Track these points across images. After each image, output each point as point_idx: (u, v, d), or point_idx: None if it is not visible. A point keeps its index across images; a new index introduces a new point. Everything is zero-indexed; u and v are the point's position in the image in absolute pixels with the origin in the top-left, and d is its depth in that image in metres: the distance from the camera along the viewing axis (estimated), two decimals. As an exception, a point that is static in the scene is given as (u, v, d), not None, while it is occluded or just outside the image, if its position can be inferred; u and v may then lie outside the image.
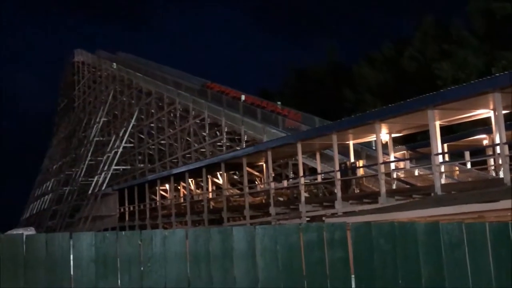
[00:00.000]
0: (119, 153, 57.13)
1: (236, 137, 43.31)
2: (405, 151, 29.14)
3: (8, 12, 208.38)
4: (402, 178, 25.12)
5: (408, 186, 23.72)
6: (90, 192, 55.36)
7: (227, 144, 43.67)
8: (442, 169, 20.24)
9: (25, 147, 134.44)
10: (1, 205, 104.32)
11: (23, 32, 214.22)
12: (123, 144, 57.46)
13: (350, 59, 69.55)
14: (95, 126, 64.87)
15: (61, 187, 67.57)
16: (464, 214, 12.73)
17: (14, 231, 7.40)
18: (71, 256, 4.36)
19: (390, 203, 20.27)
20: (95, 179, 57.07)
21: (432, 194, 19.19)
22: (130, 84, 60.57)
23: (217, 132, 45.84)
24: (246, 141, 39.69)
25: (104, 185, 53.97)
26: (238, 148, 40.19)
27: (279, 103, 45.93)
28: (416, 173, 25.47)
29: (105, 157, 58.73)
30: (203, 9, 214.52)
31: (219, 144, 45.27)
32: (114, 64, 65.66)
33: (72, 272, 4.35)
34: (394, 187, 23.42)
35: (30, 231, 7.37)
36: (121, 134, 58.07)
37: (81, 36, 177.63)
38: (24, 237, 4.39)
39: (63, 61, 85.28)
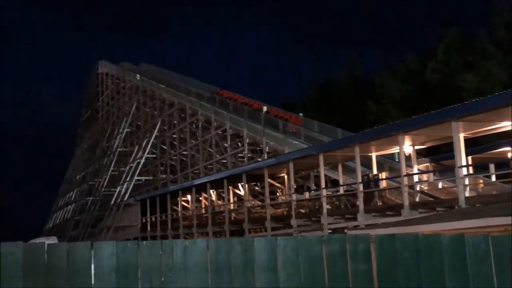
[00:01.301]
0: (141, 164, 57.52)
1: (258, 148, 43.34)
2: (428, 164, 28.85)
3: (32, 25, 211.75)
4: (426, 191, 24.85)
5: (431, 199, 23.45)
6: (112, 202, 55.71)
7: (249, 155, 43.70)
8: (466, 181, 19.98)
9: (49, 157, 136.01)
10: (24, 214, 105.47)
11: (48, 44, 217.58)
12: (145, 155, 57.84)
13: (373, 71, 69.24)
14: (118, 136, 65.43)
15: (84, 197, 68.16)
16: (489, 227, 12.52)
17: (37, 240, 7.44)
18: (92, 266, 4.35)
19: (414, 216, 20.04)
20: (118, 189, 57.48)
21: (456, 207, 18.94)
22: (153, 95, 61.02)
23: (239, 143, 45.91)
24: (268, 152, 39.66)
25: (127, 195, 54.34)
26: (259, 159, 40.19)
27: (301, 114, 45.97)
28: (440, 185, 25.18)
29: (127, 168, 59.17)
30: (227, 19, 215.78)
31: (240, 155, 45.33)
32: (138, 75, 66.25)
33: (93, 282, 4.34)
34: (417, 199, 23.17)
35: (53, 240, 7.41)
36: (143, 145, 58.47)
37: (106, 47, 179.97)
38: (46, 246, 4.39)
39: (88, 73, 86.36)
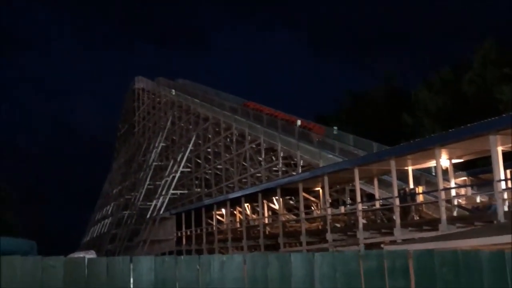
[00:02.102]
0: (176, 178, 57.94)
1: (292, 162, 43.28)
2: (466, 177, 28.39)
3: (69, 40, 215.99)
4: (463, 205, 24.46)
5: (469, 213, 23.06)
6: (148, 216, 56.15)
7: (283, 169, 43.66)
8: (505, 196, 19.60)
9: (86, 171, 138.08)
10: (62, 228, 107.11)
11: (85, 60, 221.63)
12: (180, 169, 58.25)
13: (407, 84, 68.74)
14: (154, 151, 66.08)
15: (120, 211, 68.84)
16: (530, 243, 12.26)
17: (76, 254, 7.55)
18: (131, 280, 4.41)
19: (451, 231, 19.74)
20: (154, 203, 57.95)
21: (495, 222, 18.59)
22: (188, 110, 61.58)
23: (273, 157, 45.92)
24: (302, 166, 39.56)
25: (162, 209, 54.72)
26: (294, 173, 40.10)
27: (335, 127, 45.82)
28: (478, 200, 24.76)
29: (163, 182, 59.64)
30: (259, 34, 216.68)
31: (275, 169, 45.32)
32: (173, 90, 66.99)
33: (132, 296, 4.39)
34: (455, 214, 22.81)
35: (91, 254, 7.51)
36: (178, 159, 58.93)
37: (142, 63, 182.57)
38: (86, 260, 4.47)
39: (124, 88, 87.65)
